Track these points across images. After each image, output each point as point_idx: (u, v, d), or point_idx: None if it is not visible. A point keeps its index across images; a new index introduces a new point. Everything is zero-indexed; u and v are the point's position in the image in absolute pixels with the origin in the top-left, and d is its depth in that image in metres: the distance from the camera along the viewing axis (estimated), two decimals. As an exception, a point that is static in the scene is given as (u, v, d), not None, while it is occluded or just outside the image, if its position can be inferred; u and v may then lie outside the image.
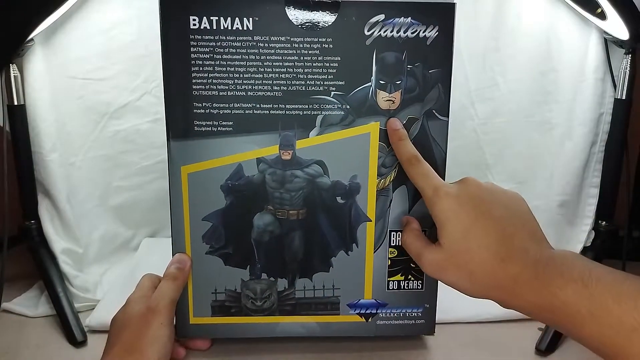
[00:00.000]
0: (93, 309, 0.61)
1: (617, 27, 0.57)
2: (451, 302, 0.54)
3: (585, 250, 0.63)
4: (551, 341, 0.56)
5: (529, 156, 0.71)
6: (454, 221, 0.41)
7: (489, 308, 0.61)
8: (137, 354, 0.44)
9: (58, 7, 0.57)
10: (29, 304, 0.63)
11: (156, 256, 0.71)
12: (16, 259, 0.64)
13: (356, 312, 0.54)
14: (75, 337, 0.57)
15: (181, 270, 0.50)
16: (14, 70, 0.59)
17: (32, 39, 0.58)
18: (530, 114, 0.70)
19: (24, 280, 0.67)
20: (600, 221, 0.64)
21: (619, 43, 0.59)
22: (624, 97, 0.61)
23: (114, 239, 0.73)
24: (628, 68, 0.60)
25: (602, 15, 0.58)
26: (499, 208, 0.41)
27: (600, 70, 0.61)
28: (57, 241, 0.64)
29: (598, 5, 0.57)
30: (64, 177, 0.64)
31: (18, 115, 0.60)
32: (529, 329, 0.59)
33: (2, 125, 0.61)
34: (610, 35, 0.59)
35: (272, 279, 0.52)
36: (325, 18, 0.47)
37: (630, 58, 0.60)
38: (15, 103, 0.60)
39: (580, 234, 0.64)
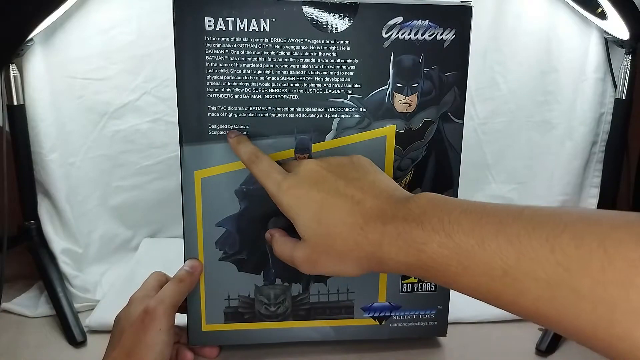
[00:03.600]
0: (93, 309, 0.61)
1: (618, 27, 0.57)
2: (450, 303, 0.54)
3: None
4: (551, 342, 0.56)
5: (529, 156, 0.71)
6: (303, 211, 0.39)
7: (489, 309, 0.61)
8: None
9: (58, 7, 0.57)
10: (29, 304, 0.63)
11: (156, 256, 0.71)
12: (16, 259, 0.64)
13: (370, 315, 0.54)
14: (74, 338, 0.57)
15: (190, 274, 0.49)
16: (13, 70, 0.59)
17: (31, 39, 0.58)
18: (530, 113, 0.70)
19: (24, 280, 0.66)
20: (600, 221, 0.64)
21: (620, 43, 0.60)
22: (624, 97, 0.61)
23: (114, 239, 0.73)
24: (628, 68, 0.60)
25: (603, 15, 0.58)
26: (341, 179, 0.40)
27: (601, 70, 0.61)
28: (57, 241, 0.63)
29: (598, 5, 0.57)
30: (64, 177, 0.64)
31: (18, 115, 0.60)
32: (529, 329, 0.59)
33: (1, 125, 0.61)
34: (611, 35, 0.59)
35: (286, 284, 0.52)
36: (343, 20, 0.46)
37: (630, 58, 0.60)
38: (15, 103, 0.60)
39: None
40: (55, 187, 0.63)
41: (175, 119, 0.48)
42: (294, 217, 0.40)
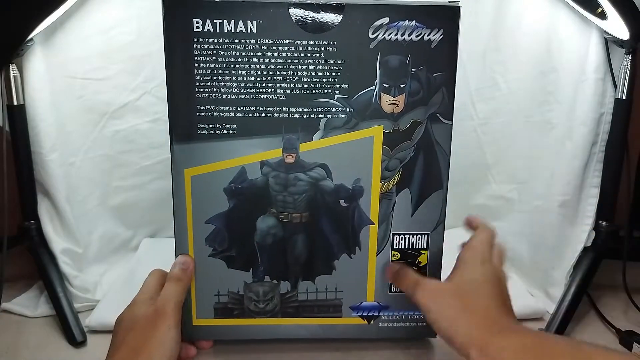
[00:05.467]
0: (93, 309, 0.61)
1: (618, 27, 0.57)
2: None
3: (585, 251, 0.63)
4: (552, 341, 0.56)
5: (529, 156, 0.71)
6: (465, 268, 0.46)
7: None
8: (143, 357, 0.43)
9: (58, 7, 0.57)
10: (29, 304, 0.63)
11: (156, 256, 0.71)
12: (16, 259, 0.64)
13: (358, 314, 0.54)
14: (74, 338, 0.57)
15: (185, 272, 0.50)
16: (13, 70, 0.59)
17: (31, 39, 0.58)
18: (530, 113, 0.70)
19: (24, 281, 0.67)
20: (600, 221, 0.64)
21: (620, 43, 0.59)
22: (624, 97, 0.61)
23: (114, 239, 0.73)
24: (628, 68, 0.60)
25: (603, 15, 0.58)
26: (468, 297, 0.45)
27: (601, 70, 0.61)
28: (57, 241, 0.64)
29: (598, 5, 0.57)
30: (64, 177, 0.64)
31: (18, 115, 0.60)
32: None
33: (1, 125, 0.61)
34: (611, 35, 0.59)
35: (275, 281, 0.53)
36: (330, 21, 0.46)
37: (630, 58, 0.60)
38: (15, 103, 0.60)
39: (581, 234, 0.64)
40: (55, 187, 0.63)
41: (175, 119, 0.48)
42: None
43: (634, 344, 0.57)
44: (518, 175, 0.73)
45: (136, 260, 0.71)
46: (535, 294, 0.66)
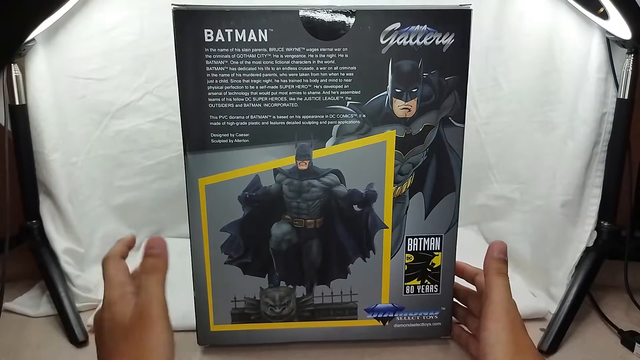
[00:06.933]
0: (94, 308, 0.61)
1: (620, 27, 0.57)
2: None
3: (587, 251, 0.63)
4: (553, 341, 0.57)
5: (531, 156, 0.71)
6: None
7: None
8: None
9: (59, 7, 0.57)
10: (31, 303, 0.63)
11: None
12: (18, 259, 0.64)
13: (374, 316, 0.55)
14: (76, 337, 0.57)
15: (159, 257, 0.43)
16: (15, 70, 0.59)
17: (33, 39, 0.58)
18: (532, 113, 0.70)
19: (26, 280, 0.67)
20: (602, 221, 0.64)
21: (622, 43, 0.59)
22: (626, 97, 0.61)
23: (116, 239, 0.72)
24: (630, 68, 0.60)
25: (605, 15, 0.58)
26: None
27: (603, 70, 0.61)
28: (59, 241, 0.64)
29: (600, 5, 0.57)
30: (66, 176, 0.64)
31: (20, 115, 0.60)
32: (532, 329, 0.58)
33: (3, 125, 0.61)
34: (613, 35, 0.59)
35: (290, 286, 0.53)
36: (341, 27, 0.46)
37: (632, 58, 0.60)
38: (17, 103, 0.60)
39: (583, 234, 0.64)
40: (57, 187, 0.63)
41: (177, 119, 0.48)
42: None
43: (636, 344, 0.57)
44: (520, 175, 0.73)
45: (138, 260, 0.71)
46: (537, 294, 0.66)
